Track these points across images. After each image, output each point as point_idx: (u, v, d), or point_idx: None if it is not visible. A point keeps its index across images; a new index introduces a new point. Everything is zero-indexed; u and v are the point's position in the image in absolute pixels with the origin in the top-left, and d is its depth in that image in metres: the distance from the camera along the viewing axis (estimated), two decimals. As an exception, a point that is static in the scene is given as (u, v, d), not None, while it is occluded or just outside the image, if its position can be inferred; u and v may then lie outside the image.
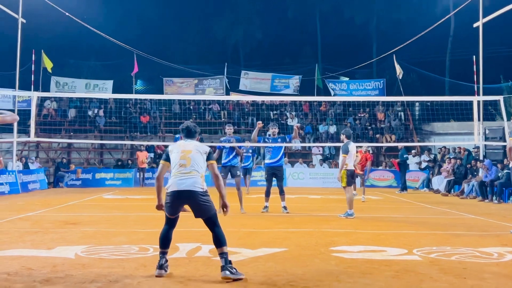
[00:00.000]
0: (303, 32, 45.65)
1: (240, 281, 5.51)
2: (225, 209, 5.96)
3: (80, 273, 5.80)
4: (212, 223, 5.82)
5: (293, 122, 27.22)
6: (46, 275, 5.70)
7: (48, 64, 27.44)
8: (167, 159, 5.98)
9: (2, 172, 18.43)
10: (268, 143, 12.63)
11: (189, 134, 6.12)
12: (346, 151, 11.56)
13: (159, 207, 5.94)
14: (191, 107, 30.15)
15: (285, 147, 13.70)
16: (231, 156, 12.36)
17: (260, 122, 12.55)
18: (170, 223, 5.93)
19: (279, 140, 12.49)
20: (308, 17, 46.12)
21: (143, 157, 23.49)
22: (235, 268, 5.63)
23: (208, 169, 6.01)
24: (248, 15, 45.94)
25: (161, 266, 5.72)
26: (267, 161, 12.68)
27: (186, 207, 5.95)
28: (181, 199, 5.79)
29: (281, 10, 45.97)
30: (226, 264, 5.61)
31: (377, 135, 27.32)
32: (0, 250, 7.12)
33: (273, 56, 43.82)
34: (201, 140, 21.64)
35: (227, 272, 5.53)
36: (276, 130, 12.55)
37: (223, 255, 5.67)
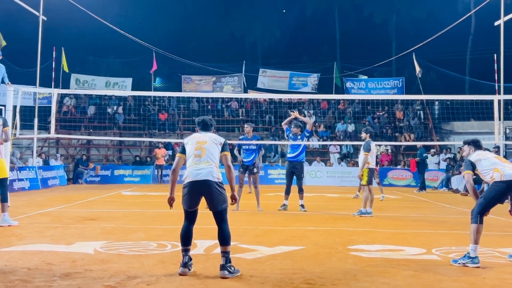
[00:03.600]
0: (322, 30, 45.45)
1: (258, 279, 5.52)
2: (233, 201, 5.91)
3: (99, 268, 5.86)
4: (221, 217, 5.79)
5: (311, 120, 27.13)
6: (66, 270, 5.76)
7: (64, 63, 27.68)
8: (183, 152, 5.97)
9: (22, 168, 18.66)
10: (289, 140, 12.73)
11: (205, 126, 6.15)
12: (368, 149, 11.55)
13: (170, 199, 5.88)
14: (209, 107, 30.18)
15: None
16: (251, 157, 12.50)
17: (295, 112, 12.83)
18: (190, 218, 5.87)
19: (299, 138, 12.54)
20: (326, 15, 45.93)
21: (161, 154, 23.58)
22: (233, 267, 5.66)
23: (221, 159, 5.98)
24: (267, 13, 45.88)
25: (185, 265, 5.70)
26: (288, 155, 12.80)
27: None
28: (198, 190, 5.76)
29: (300, 8, 45.84)
30: (226, 264, 5.62)
31: (396, 134, 27.12)
32: (21, 245, 7.22)
33: (291, 54, 43.76)
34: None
35: (226, 272, 5.57)
36: (298, 130, 12.56)
37: (225, 254, 5.67)
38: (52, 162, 22.93)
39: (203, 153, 5.82)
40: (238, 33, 46.38)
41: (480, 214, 6.48)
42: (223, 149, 5.97)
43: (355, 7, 44.89)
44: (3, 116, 9.83)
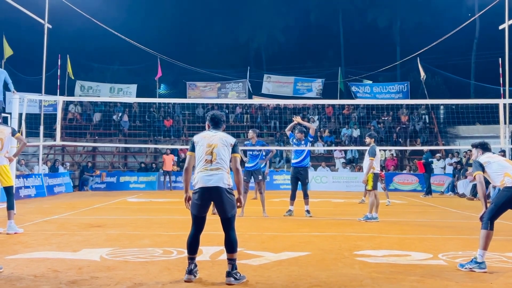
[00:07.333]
0: (326, 35, 45.47)
1: (264, 285, 5.51)
2: (238, 204, 5.88)
3: (105, 275, 5.86)
4: (229, 224, 5.75)
5: (315, 126, 27.09)
6: (72, 277, 5.76)
7: (70, 70, 27.76)
8: (193, 150, 5.89)
9: (28, 176, 18.71)
10: (293, 146, 12.77)
11: (215, 123, 6.04)
12: (374, 154, 11.53)
13: (187, 198, 5.83)
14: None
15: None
16: (255, 162, 12.55)
17: (298, 117, 12.88)
18: (197, 224, 5.80)
19: (303, 143, 12.56)
20: (331, 20, 45.94)
21: (170, 160, 23.55)
22: (239, 273, 5.64)
23: (231, 161, 5.92)
24: (271, 19, 45.91)
25: (190, 271, 5.67)
26: (292, 161, 12.87)
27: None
28: (208, 196, 5.72)
29: (304, 13, 45.88)
30: (232, 271, 5.60)
31: (400, 140, 27.03)
32: (27, 253, 7.23)
33: (296, 59, 43.77)
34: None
35: (232, 279, 5.55)
36: (302, 135, 12.58)
37: (231, 261, 5.65)
38: (61, 169, 23.00)
39: (213, 158, 5.75)
40: (243, 39, 46.44)
41: (491, 220, 6.41)
42: (233, 150, 5.90)
43: (359, 12, 44.88)
44: (9, 125, 9.92)
